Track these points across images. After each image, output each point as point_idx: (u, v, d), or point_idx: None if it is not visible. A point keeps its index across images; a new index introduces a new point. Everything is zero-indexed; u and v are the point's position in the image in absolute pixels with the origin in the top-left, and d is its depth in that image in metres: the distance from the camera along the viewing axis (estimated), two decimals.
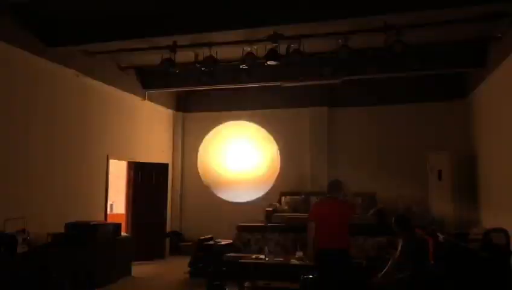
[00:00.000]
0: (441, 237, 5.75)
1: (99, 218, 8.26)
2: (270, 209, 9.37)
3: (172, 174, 11.06)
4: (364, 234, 7.20)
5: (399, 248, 5.16)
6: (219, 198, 10.88)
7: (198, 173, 11.18)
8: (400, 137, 9.87)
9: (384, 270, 5.02)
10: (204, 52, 7.12)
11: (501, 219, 6.70)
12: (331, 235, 4.81)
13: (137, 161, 9.72)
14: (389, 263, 5.11)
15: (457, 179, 8.77)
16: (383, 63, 7.27)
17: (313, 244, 4.97)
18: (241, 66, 7.20)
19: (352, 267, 4.95)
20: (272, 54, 6.61)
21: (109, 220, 8.51)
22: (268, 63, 6.74)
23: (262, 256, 6.96)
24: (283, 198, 9.90)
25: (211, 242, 8.28)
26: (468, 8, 5.71)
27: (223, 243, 8.19)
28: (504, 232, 5.87)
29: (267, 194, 10.47)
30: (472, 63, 7.94)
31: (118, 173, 9.65)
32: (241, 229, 8.40)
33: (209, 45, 6.99)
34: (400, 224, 5.22)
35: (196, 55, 7.45)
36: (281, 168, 10.59)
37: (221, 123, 11.16)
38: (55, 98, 7.40)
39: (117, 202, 10.10)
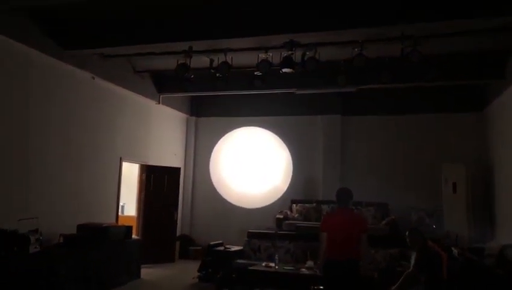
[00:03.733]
0: (455, 251, 5.64)
1: (111, 219, 8.31)
2: (281, 216, 9.31)
3: (184, 178, 11.08)
4: (376, 245, 7.08)
5: (412, 261, 5.07)
6: (230, 203, 10.86)
7: (209, 177, 11.18)
8: (414, 147, 9.76)
9: (397, 283, 4.94)
10: (219, 58, 7.13)
11: None
12: (342, 247, 4.62)
13: (150, 164, 9.76)
14: (402, 276, 5.02)
15: (472, 191, 8.61)
16: (398, 73, 7.18)
17: (323, 256, 4.83)
18: (255, 73, 7.20)
19: (362, 281, 4.69)
20: (287, 62, 6.59)
21: (120, 222, 8.54)
22: (284, 70, 6.72)
23: (272, 264, 6.90)
24: (294, 206, 9.83)
25: (221, 248, 8.25)
26: (487, 20, 5.62)
27: (232, 249, 8.17)
28: None
29: (278, 201, 10.41)
30: (491, 75, 7.83)
31: (130, 175, 9.70)
32: (252, 235, 8.35)
33: (225, 51, 7.00)
34: (413, 236, 5.14)
35: (211, 61, 7.47)
36: (293, 175, 10.54)
37: (234, 129, 11.16)
38: (71, 100, 7.48)
39: (128, 204, 10.14)
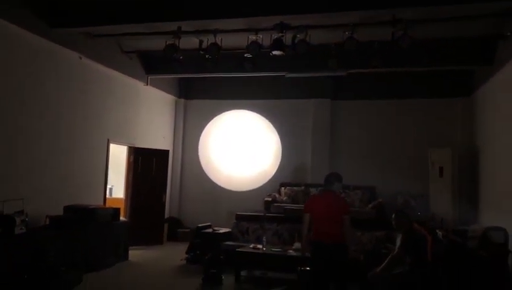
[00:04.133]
0: (439, 233, 5.74)
1: (98, 202, 8.27)
2: (270, 199, 9.36)
3: (173, 161, 11.05)
4: (362, 228, 7.18)
5: (397, 243, 5.15)
6: (218, 186, 10.88)
7: (198, 160, 11.16)
8: (402, 132, 9.84)
9: (383, 265, 5.01)
10: (208, 39, 7.04)
11: (501, 217, 6.69)
12: (327, 229, 4.72)
13: (138, 146, 9.69)
14: (388, 258, 5.09)
15: (458, 176, 8.75)
16: (389, 57, 7.19)
17: (305, 237, 4.98)
18: (245, 55, 7.14)
19: (347, 261, 4.84)
20: (278, 44, 6.53)
21: (108, 204, 8.51)
22: (274, 53, 6.66)
23: (260, 246, 6.96)
24: (282, 189, 9.88)
25: (209, 230, 8.29)
26: (478, 5, 5.62)
27: (221, 231, 8.21)
28: (503, 231, 5.86)
29: (267, 184, 10.46)
30: (480, 61, 7.86)
31: (118, 157, 9.63)
32: (240, 218, 8.40)
33: (214, 32, 6.90)
34: (399, 219, 5.21)
35: (200, 42, 7.38)
36: (282, 158, 10.56)
37: (223, 111, 11.11)
38: (57, 80, 7.34)
39: (116, 186, 10.10)
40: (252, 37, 6.78)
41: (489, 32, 7.14)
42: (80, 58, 7.72)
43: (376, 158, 9.83)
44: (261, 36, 6.77)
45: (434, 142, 9.35)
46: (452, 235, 5.86)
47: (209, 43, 7.00)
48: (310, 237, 4.85)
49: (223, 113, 11.12)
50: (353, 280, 5.42)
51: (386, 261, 5.03)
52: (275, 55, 6.72)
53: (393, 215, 5.27)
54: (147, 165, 9.78)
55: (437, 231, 5.84)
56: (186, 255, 7.95)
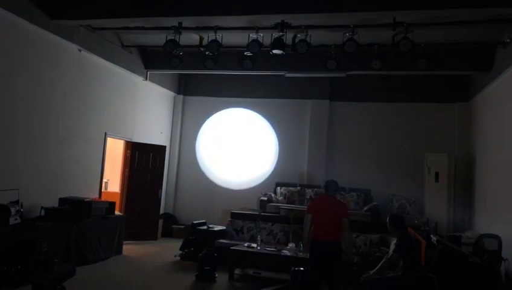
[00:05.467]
0: (433, 238, 5.74)
1: (94, 195, 8.24)
2: (265, 198, 9.37)
3: (169, 157, 11.03)
4: (357, 231, 7.19)
5: (392, 247, 5.16)
6: (214, 184, 10.87)
7: (195, 157, 11.15)
8: (399, 135, 9.85)
9: (376, 268, 5.02)
10: (209, 36, 7.03)
11: (495, 224, 6.72)
12: (325, 229, 5.06)
13: (135, 141, 9.67)
14: (382, 261, 5.10)
15: (454, 181, 8.77)
16: (388, 60, 7.20)
17: (307, 236, 5.25)
18: (245, 53, 7.13)
19: (342, 261, 5.17)
20: (278, 43, 6.53)
21: (103, 198, 8.49)
22: (274, 51, 6.66)
23: (254, 245, 6.96)
24: (278, 188, 9.89)
25: (204, 227, 8.28)
26: (478, 11, 5.64)
27: (215, 228, 8.21)
28: (497, 238, 5.88)
29: (262, 183, 10.46)
30: (479, 66, 7.88)
31: (115, 151, 9.60)
32: (235, 216, 8.40)
33: (215, 29, 6.89)
34: (394, 223, 5.21)
35: (201, 39, 7.36)
36: (279, 158, 10.57)
37: (221, 109, 11.09)
38: (56, 72, 7.31)
39: (112, 180, 10.07)
40: (253, 35, 6.77)
41: (488, 38, 7.16)
42: (79, 50, 7.69)
43: (372, 161, 9.84)
44: (261, 35, 6.77)
45: (431, 146, 9.37)
46: (446, 241, 5.86)
47: (209, 40, 6.99)
48: (311, 237, 5.18)
49: (221, 111, 11.11)
50: (346, 282, 5.46)
51: (379, 265, 5.04)
52: (275, 54, 6.72)
53: (388, 219, 5.27)
54: (143, 160, 9.76)
55: (431, 235, 5.85)
56: (180, 252, 7.94)
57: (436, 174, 8.87)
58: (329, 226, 5.05)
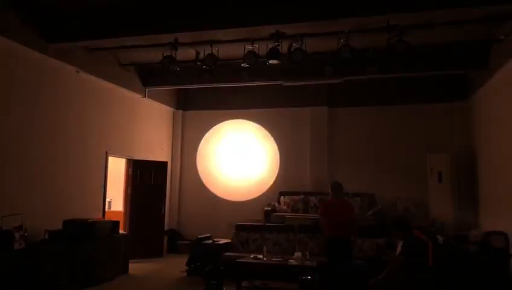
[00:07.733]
0: (440, 239, 5.71)
1: (97, 215, 8.23)
2: (269, 208, 9.34)
3: (171, 173, 11.03)
4: (363, 235, 7.15)
5: (398, 249, 5.13)
6: (217, 197, 10.85)
7: (197, 171, 11.15)
8: (400, 138, 9.85)
9: (384, 272, 4.99)
10: (205, 50, 7.08)
11: (501, 222, 6.68)
12: (339, 226, 6.02)
13: (137, 158, 9.69)
14: (389, 264, 5.07)
15: (457, 180, 8.75)
16: (384, 63, 7.23)
17: (324, 234, 6.24)
18: (242, 65, 7.17)
19: (351, 249, 6.16)
20: (274, 53, 6.56)
21: (107, 218, 8.47)
22: (270, 62, 6.69)
23: (260, 256, 6.91)
24: (282, 198, 9.86)
25: (209, 241, 8.24)
26: (472, 10, 5.68)
27: (221, 242, 8.17)
28: (503, 235, 5.85)
29: (266, 193, 10.44)
30: (475, 64, 7.92)
31: (117, 170, 9.61)
32: (240, 228, 8.36)
33: (211, 42, 6.94)
34: (399, 225, 5.20)
35: (197, 53, 7.41)
36: (280, 167, 10.56)
37: (221, 122, 11.13)
38: (56, 94, 7.37)
39: (115, 199, 10.06)
40: (248, 47, 6.82)
41: (483, 36, 7.19)
42: (77, 72, 7.75)
43: (374, 165, 9.83)
44: (257, 46, 6.81)
45: (432, 147, 9.37)
46: (453, 240, 5.83)
47: (205, 54, 7.03)
48: (326, 233, 6.14)
49: (221, 124, 11.14)
50: (355, 287, 5.41)
51: (387, 268, 5.01)
52: (271, 64, 6.76)
53: (392, 221, 5.25)
54: (145, 177, 9.76)
55: (437, 236, 5.81)
56: (187, 267, 7.89)
57: (439, 174, 8.86)
58: (341, 224, 6.00)
